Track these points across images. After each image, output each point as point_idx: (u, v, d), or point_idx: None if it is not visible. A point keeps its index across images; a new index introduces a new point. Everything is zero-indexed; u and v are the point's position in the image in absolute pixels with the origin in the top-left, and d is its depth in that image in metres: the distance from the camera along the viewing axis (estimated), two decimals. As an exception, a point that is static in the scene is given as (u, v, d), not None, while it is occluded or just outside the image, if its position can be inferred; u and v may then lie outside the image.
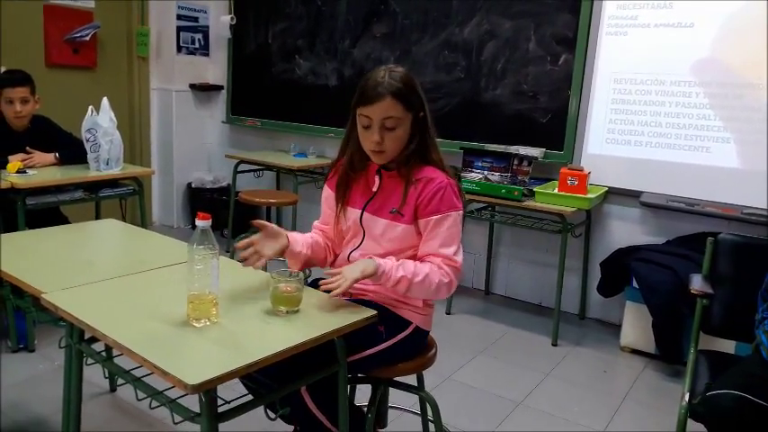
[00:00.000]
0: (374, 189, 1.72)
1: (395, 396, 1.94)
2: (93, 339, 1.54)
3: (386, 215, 1.68)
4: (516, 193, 3.12)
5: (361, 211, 1.72)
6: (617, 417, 2.52)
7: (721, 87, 3.02)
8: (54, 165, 3.05)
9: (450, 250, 1.62)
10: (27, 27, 4.07)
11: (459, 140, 3.69)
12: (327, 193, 1.82)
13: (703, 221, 3.08)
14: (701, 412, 1.66)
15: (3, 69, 3.39)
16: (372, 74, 1.63)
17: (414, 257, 1.68)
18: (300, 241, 1.73)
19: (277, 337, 1.34)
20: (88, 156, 3.00)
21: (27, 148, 2.99)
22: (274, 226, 1.69)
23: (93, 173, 3.01)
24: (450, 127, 3.80)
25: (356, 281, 1.53)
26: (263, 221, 1.67)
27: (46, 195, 2.83)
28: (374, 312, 1.51)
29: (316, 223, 1.88)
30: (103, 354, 1.54)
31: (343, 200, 1.76)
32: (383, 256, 1.66)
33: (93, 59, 4.50)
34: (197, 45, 5.00)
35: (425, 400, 1.89)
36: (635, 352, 3.12)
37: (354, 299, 1.66)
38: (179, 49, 4.87)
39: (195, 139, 5.13)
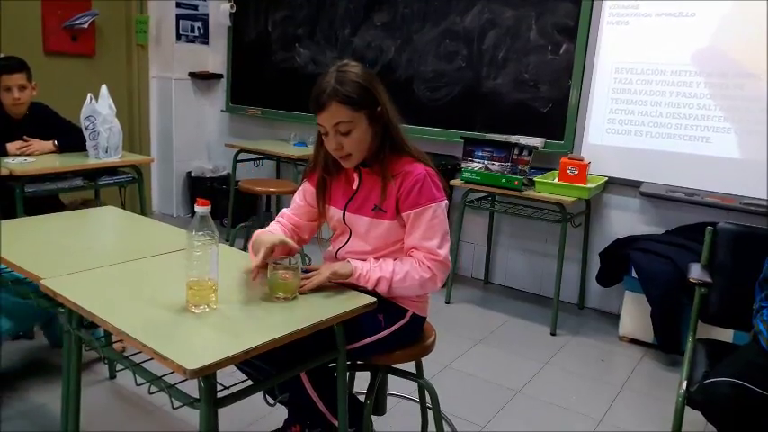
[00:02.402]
0: (354, 187, 1.71)
1: (394, 383, 1.95)
2: (92, 325, 1.54)
3: (368, 213, 1.67)
4: (516, 182, 3.12)
5: (342, 210, 1.72)
6: (615, 405, 2.53)
7: (722, 78, 3.01)
8: (53, 152, 3.04)
9: (432, 243, 1.61)
10: (25, 14, 4.05)
11: (460, 130, 3.69)
12: (306, 187, 1.80)
13: (703, 212, 3.08)
14: (699, 400, 1.66)
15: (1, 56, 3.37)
16: (320, 78, 1.59)
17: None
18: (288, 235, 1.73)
19: (276, 323, 1.35)
20: (87, 143, 3.00)
21: (24, 136, 2.98)
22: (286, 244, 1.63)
23: (92, 161, 3.01)
24: (451, 116, 3.80)
25: (327, 279, 1.56)
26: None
27: (45, 183, 2.83)
28: (374, 299, 1.51)
29: (285, 211, 1.85)
30: (102, 340, 1.54)
31: (323, 200, 1.75)
32: (371, 252, 1.68)
33: (92, 47, 4.48)
34: (196, 33, 4.98)
35: (424, 388, 1.90)
36: (633, 341, 3.13)
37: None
38: (178, 37, 4.85)
39: (195, 128, 5.12)
